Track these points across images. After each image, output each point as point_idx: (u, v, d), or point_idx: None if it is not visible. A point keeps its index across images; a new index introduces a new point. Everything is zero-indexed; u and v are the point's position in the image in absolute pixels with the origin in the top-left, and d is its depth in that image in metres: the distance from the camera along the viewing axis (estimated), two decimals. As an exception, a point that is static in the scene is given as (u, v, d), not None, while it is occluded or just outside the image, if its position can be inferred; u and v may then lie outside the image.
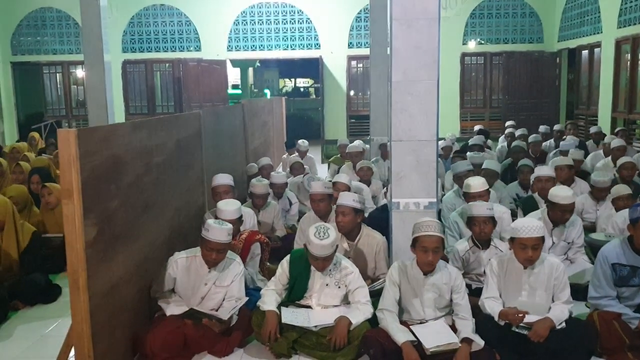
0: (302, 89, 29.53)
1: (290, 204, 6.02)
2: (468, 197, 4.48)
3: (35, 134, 10.93)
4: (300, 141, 8.82)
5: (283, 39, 12.88)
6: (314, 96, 25.16)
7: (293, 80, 28.77)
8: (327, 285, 3.60)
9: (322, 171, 8.76)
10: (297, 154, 8.76)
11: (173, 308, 3.57)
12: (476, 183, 4.53)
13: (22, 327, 3.99)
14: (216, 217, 3.95)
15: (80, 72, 13.36)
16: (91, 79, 8.77)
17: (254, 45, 12.95)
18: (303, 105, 19.49)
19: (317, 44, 12.81)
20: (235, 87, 16.06)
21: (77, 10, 9.09)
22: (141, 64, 13.04)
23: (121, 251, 3.21)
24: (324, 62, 12.75)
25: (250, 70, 15.58)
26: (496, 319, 3.36)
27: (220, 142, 6.12)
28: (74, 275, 2.77)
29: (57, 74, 13.28)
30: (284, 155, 9.62)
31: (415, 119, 3.73)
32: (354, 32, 12.76)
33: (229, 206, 4.07)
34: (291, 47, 12.89)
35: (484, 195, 4.43)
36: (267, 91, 21.42)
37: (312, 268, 3.58)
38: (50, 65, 13.21)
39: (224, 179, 4.83)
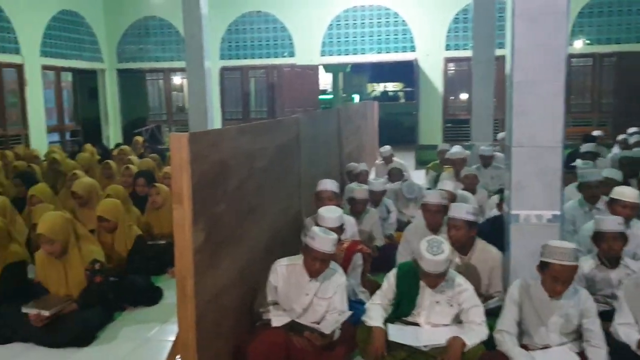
0: (390, 93, 29.36)
1: (388, 212, 5.79)
2: (616, 206, 4.06)
3: (139, 138, 11.39)
4: (382, 148, 8.54)
5: (377, 42, 12.66)
6: (403, 100, 24.84)
7: (382, 84, 28.58)
8: (437, 302, 3.34)
9: (416, 178, 8.43)
10: (383, 160, 8.49)
11: (276, 319, 3.45)
12: (630, 192, 4.09)
13: (126, 330, 4.03)
14: (317, 224, 3.80)
15: (178, 79, 13.82)
16: (192, 86, 8.99)
17: (347, 50, 12.83)
18: (393, 110, 19.15)
19: (413, 47, 12.48)
20: (323, 92, 16.06)
21: (179, 19, 9.36)
22: (237, 70, 13.29)
23: (226, 257, 3.13)
24: (420, 65, 12.40)
25: (341, 75, 15.46)
26: (633, 348, 2.98)
27: (316, 147, 6.01)
28: (182, 281, 2.70)
29: (159, 81, 13.80)
30: (377, 161, 9.39)
31: (538, 123, 3.39)
32: (452, 33, 12.32)
33: (331, 213, 3.91)
34: (385, 50, 12.65)
35: (636, 208, 4.00)
36: (355, 96, 21.30)
37: (422, 284, 3.33)
38: (152, 72, 13.76)
39: (329, 185, 4.69)
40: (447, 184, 5.13)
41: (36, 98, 11.16)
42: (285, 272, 3.51)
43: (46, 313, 3.70)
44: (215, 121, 11.71)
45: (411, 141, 12.81)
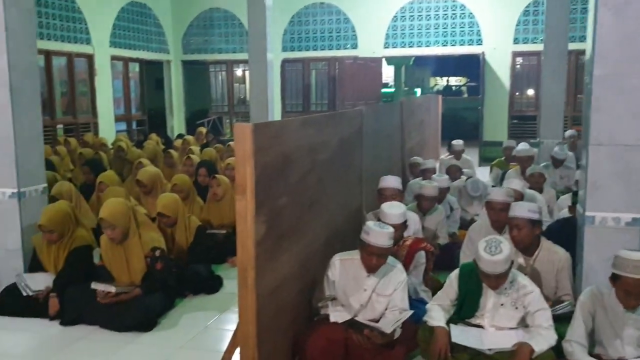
0: (453, 88, 28.83)
1: (452, 209, 5.63)
2: None
3: (203, 129, 11.61)
4: (454, 141, 8.35)
5: (443, 34, 12.36)
6: (466, 95, 24.28)
7: (445, 78, 28.04)
8: (502, 305, 3.19)
9: (480, 174, 8.18)
10: (452, 155, 8.33)
11: (334, 315, 3.40)
12: None
13: (186, 317, 4.08)
14: (378, 220, 3.71)
15: (240, 71, 13.96)
16: (254, 77, 9.05)
17: (411, 42, 12.59)
18: (455, 105, 18.77)
19: (480, 40, 12.11)
20: (385, 85, 15.88)
21: (243, 11, 9.43)
22: (299, 62, 13.29)
23: (286, 250, 3.10)
24: (486, 59, 12.02)
25: (403, 68, 15.19)
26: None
27: (378, 141, 5.90)
28: (243, 273, 2.68)
29: (222, 72, 13.99)
30: (442, 156, 9.18)
31: (620, 120, 3.18)
32: (521, 26, 11.86)
33: (393, 209, 3.81)
34: (451, 43, 12.33)
35: None
36: (417, 90, 20.96)
37: (485, 285, 3.20)
38: (215, 64, 13.97)
39: (392, 182, 4.59)
40: (514, 182, 4.92)
41: (105, 88, 11.53)
42: (342, 266, 3.44)
43: (112, 289, 3.80)
44: (276, 113, 11.76)
45: (473, 137, 12.47)
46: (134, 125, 13.04)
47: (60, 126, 10.64)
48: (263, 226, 2.75)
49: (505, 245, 3.04)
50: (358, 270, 3.39)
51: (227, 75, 13.92)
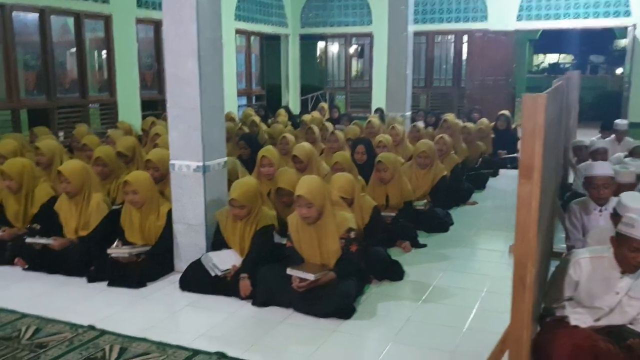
0: (561, 66, 27.47)
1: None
2: None
3: (324, 104, 11.36)
4: (618, 120, 7.57)
5: (584, 5, 11.35)
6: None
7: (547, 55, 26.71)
8: None
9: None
10: (614, 136, 7.57)
11: (576, 318, 2.97)
12: None
13: (381, 305, 3.77)
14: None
15: (356, 45, 13.52)
16: (393, 50, 8.68)
17: (547, 15, 11.66)
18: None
19: (627, 12, 11.01)
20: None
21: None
22: (422, 35, 12.69)
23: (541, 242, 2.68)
24: (636, 33, 10.92)
25: (527, 44, 14.27)
26: None
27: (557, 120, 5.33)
28: (522, 269, 2.30)
29: (339, 46, 13.65)
30: (593, 138, 8.41)
31: None
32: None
33: (637, 202, 3.30)
34: (593, 15, 11.31)
35: None
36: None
37: None
38: (333, 37, 13.63)
39: (604, 169, 4.06)
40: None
41: (229, 61, 11.47)
42: (589, 265, 2.98)
43: (311, 277, 3.55)
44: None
45: (589, 118, 11.56)
46: (253, 101, 13.00)
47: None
48: (542, 215, 2.36)
49: None
50: (609, 270, 2.93)
51: (345, 50, 13.56)
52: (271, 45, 13.68)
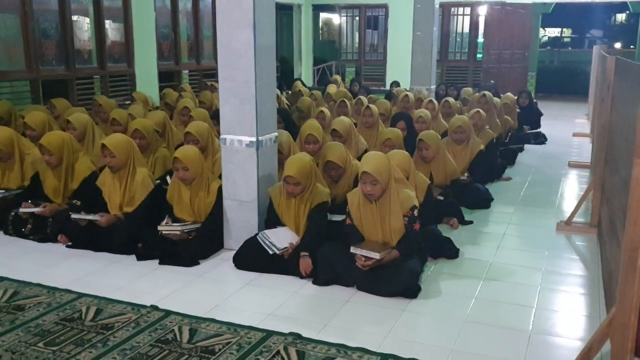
0: (564, 40, 27.57)
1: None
2: None
3: (337, 77, 11.19)
4: None
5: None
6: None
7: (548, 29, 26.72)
8: None
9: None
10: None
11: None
12: None
13: (444, 284, 3.72)
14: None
15: (371, 16, 13.28)
16: (419, 23, 8.51)
17: (568, -14, 11.49)
18: (570, 58, 18.01)
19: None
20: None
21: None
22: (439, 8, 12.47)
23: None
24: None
25: (540, 17, 14.04)
26: None
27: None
28: (632, 252, 2.23)
29: (354, 18, 13.40)
30: None
31: None
32: None
33: None
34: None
35: None
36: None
37: None
38: (346, 9, 13.37)
39: None
40: None
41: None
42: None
43: (377, 256, 3.48)
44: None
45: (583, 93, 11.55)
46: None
47: (186, 71, 10.44)
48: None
49: None
50: None
51: (360, 21, 13.32)
52: (284, 16, 13.40)
